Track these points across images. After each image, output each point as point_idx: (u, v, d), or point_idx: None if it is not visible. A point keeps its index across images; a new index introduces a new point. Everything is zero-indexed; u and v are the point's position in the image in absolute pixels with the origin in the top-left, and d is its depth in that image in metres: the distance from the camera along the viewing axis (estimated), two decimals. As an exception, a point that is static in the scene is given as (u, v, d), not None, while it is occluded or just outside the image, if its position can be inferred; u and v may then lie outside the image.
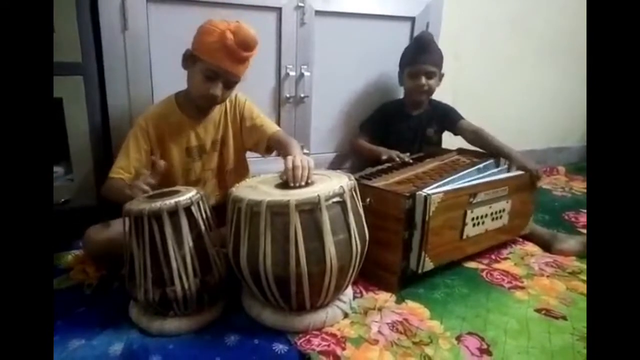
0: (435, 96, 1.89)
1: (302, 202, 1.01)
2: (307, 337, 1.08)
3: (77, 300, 1.22)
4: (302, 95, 1.75)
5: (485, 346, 1.08)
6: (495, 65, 2.48)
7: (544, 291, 1.33)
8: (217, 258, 1.14)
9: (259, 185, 1.16)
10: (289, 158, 1.14)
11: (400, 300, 1.26)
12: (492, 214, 1.46)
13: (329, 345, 1.05)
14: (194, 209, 1.09)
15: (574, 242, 1.59)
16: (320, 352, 1.03)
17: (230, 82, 1.29)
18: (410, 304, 1.24)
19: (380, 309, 1.21)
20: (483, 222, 1.44)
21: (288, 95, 1.73)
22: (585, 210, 2.00)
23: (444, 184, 1.34)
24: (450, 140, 1.90)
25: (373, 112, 1.88)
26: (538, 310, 1.23)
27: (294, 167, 1.11)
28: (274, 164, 1.57)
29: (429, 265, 1.31)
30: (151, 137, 1.33)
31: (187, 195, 1.09)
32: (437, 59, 1.76)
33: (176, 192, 1.13)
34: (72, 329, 1.09)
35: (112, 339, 1.07)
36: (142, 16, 1.43)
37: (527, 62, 2.57)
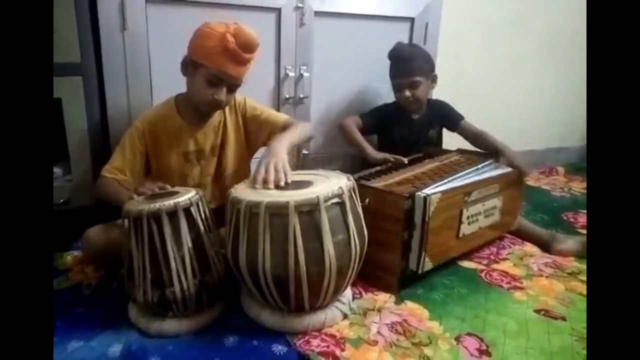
0: (435, 97, 1.89)
1: (301, 203, 1.01)
2: (307, 338, 1.08)
3: (75, 301, 1.22)
4: (301, 95, 1.75)
5: (484, 347, 1.08)
6: (494, 66, 2.48)
7: (543, 292, 1.33)
8: (216, 259, 1.14)
9: (258, 186, 1.16)
10: (263, 162, 1.16)
11: (399, 301, 1.26)
12: (485, 211, 1.47)
13: (328, 346, 1.05)
14: (193, 209, 1.09)
15: (572, 243, 1.59)
16: (320, 353, 1.03)
17: (233, 86, 1.28)
18: (410, 304, 1.24)
19: (379, 310, 1.21)
20: (477, 220, 1.45)
21: (287, 96, 1.73)
22: (584, 211, 2.00)
23: (443, 185, 1.34)
24: (450, 141, 1.90)
25: (376, 107, 1.86)
26: (537, 311, 1.23)
27: (266, 172, 1.13)
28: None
29: (428, 265, 1.31)
30: (147, 140, 1.32)
31: (186, 196, 1.09)
32: (419, 66, 1.70)
33: (175, 193, 1.13)
34: (71, 329, 1.09)
35: (111, 339, 1.06)
36: (141, 16, 1.43)
37: (527, 62, 2.57)
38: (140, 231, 1.04)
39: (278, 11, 1.63)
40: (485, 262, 1.51)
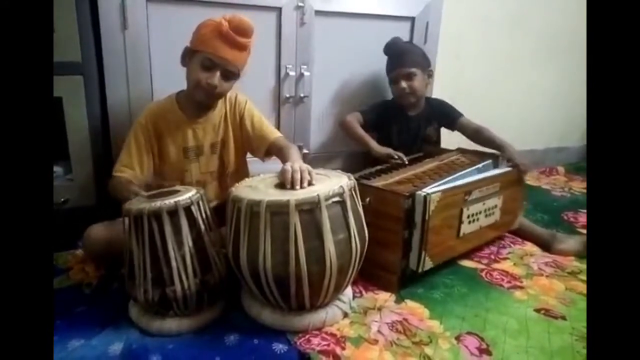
0: (435, 95, 1.89)
1: (301, 202, 1.01)
2: (307, 336, 1.09)
3: (76, 300, 1.22)
4: (301, 95, 1.75)
5: (484, 346, 1.08)
6: (495, 65, 2.48)
7: (543, 291, 1.33)
8: (217, 258, 1.14)
9: (259, 184, 1.16)
10: (288, 162, 1.15)
11: (399, 300, 1.26)
12: (485, 210, 1.47)
13: (328, 345, 1.05)
14: (193, 208, 1.09)
15: (573, 242, 1.59)
16: (320, 352, 1.03)
17: (228, 72, 1.27)
18: (410, 303, 1.25)
19: (379, 309, 1.21)
20: (478, 219, 1.45)
21: (288, 95, 1.73)
22: (584, 210, 2.00)
23: (443, 184, 1.35)
24: (449, 139, 1.90)
25: (375, 103, 1.86)
26: (537, 310, 1.23)
27: (293, 171, 1.11)
28: (274, 164, 1.57)
29: (428, 264, 1.31)
30: (151, 134, 1.34)
31: (187, 195, 1.09)
32: (415, 59, 1.74)
33: (176, 192, 1.13)
34: (72, 328, 1.09)
35: (112, 338, 1.07)
36: (142, 15, 1.43)
37: (527, 62, 2.57)
38: (141, 230, 1.04)
39: (279, 10, 1.63)
40: (485, 261, 1.51)
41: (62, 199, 1.43)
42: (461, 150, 1.77)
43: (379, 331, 1.12)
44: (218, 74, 1.25)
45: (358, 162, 1.86)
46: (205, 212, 1.13)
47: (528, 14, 2.47)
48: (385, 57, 1.81)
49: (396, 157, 1.62)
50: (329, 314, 1.13)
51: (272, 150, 1.39)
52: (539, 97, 2.69)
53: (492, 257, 1.54)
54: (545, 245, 1.61)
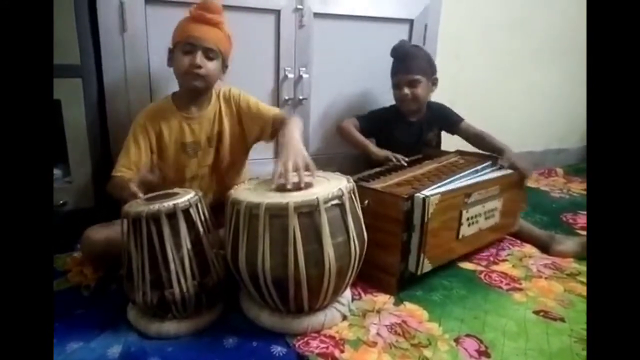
0: (435, 98, 1.89)
1: (300, 205, 1.01)
2: (306, 339, 1.08)
3: (74, 302, 1.22)
4: (300, 97, 1.75)
5: (483, 348, 1.08)
6: (494, 67, 2.48)
7: (542, 293, 1.33)
8: (215, 260, 1.14)
9: (258, 187, 1.16)
10: (280, 162, 1.15)
11: (398, 302, 1.26)
12: (485, 213, 1.47)
13: (327, 348, 1.05)
14: (192, 211, 1.09)
15: (572, 244, 1.59)
16: (319, 355, 1.03)
17: (208, 51, 1.30)
18: (409, 306, 1.25)
19: (378, 311, 1.21)
20: (477, 222, 1.45)
21: (287, 98, 1.73)
22: (583, 212, 2.00)
23: (442, 186, 1.34)
24: (449, 141, 1.91)
25: (374, 110, 1.86)
26: (536, 312, 1.23)
27: (285, 171, 1.11)
28: (273, 166, 1.57)
29: (427, 266, 1.31)
30: (149, 133, 1.34)
31: (186, 197, 1.09)
32: (420, 66, 1.71)
33: (174, 194, 1.13)
34: (70, 331, 1.09)
35: (110, 341, 1.06)
36: (141, 18, 1.43)
37: (526, 63, 2.58)
38: (139, 233, 1.04)
39: (277, 13, 1.63)
40: (484, 263, 1.51)
41: (61, 201, 1.42)
42: (460, 152, 1.77)
43: (377, 333, 1.12)
44: (199, 53, 1.28)
45: (357, 164, 1.86)
46: (204, 215, 1.13)
47: (527, 15, 2.48)
48: (387, 59, 1.81)
49: (394, 159, 1.62)
50: (327, 316, 1.13)
51: (277, 126, 1.39)
52: (538, 98, 2.69)
53: (491, 259, 1.54)
54: (544, 247, 1.61)
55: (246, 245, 1.05)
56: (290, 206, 1.00)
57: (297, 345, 1.06)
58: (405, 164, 1.60)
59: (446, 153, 1.77)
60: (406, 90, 1.70)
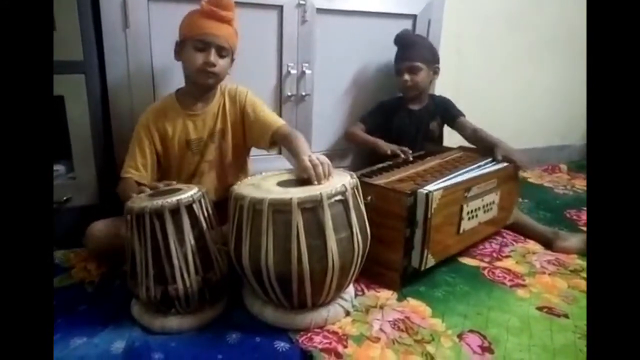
0: (437, 92, 1.89)
1: (304, 200, 1.01)
2: (309, 334, 1.09)
3: (78, 298, 1.22)
4: (303, 93, 1.75)
5: (486, 344, 1.08)
6: (497, 62, 2.47)
7: (546, 289, 1.33)
8: (219, 256, 1.14)
9: (261, 182, 1.16)
10: (305, 158, 1.13)
11: (401, 298, 1.26)
12: (484, 206, 1.48)
13: (330, 343, 1.05)
14: (195, 206, 1.09)
15: (575, 240, 1.58)
16: (322, 350, 1.03)
17: (221, 49, 1.29)
18: (412, 301, 1.25)
19: (381, 307, 1.21)
20: (477, 215, 1.46)
21: (289, 94, 1.73)
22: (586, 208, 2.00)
23: (444, 181, 1.34)
24: (451, 137, 1.90)
25: (373, 106, 1.87)
26: (540, 309, 1.23)
27: (314, 166, 1.10)
28: (275, 162, 1.57)
29: (430, 262, 1.31)
30: (153, 133, 1.35)
31: (189, 193, 1.09)
32: (422, 53, 1.75)
33: (178, 190, 1.13)
34: (74, 326, 1.09)
35: (114, 336, 1.07)
36: (143, 14, 1.43)
37: (529, 59, 2.57)
38: (142, 228, 1.04)
39: (280, 8, 1.62)
40: (487, 259, 1.51)
41: (64, 198, 1.43)
42: (463, 148, 1.76)
43: (381, 329, 1.12)
44: (213, 51, 1.28)
45: (361, 159, 1.86)
46: (207, 210, 1.13)
47: (530, 10, 2.46)
48: (390, 55, 1.81)
49: (401, 153, 1.61)
50: (331, 312, 1.13)
51: (277, 138, 1.37)
52: (541, 94, 2.68)
53: (495, 255, 1.54)
54: (548, 243, 1.61)
55: (249, 240, 1.05)
56: (294, 202, 1.00)
57: (300, 341, 1.06)
58: (411, 158, 1.60)
59: (449, 149, 1.77)
60: (406, 77, 1.74)
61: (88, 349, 1.03)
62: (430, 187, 1.27)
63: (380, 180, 1.36)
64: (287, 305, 1.11)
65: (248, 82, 1.45)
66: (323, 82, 1.79)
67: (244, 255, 1.06)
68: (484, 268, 1.45)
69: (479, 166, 1.52)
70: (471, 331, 1.13)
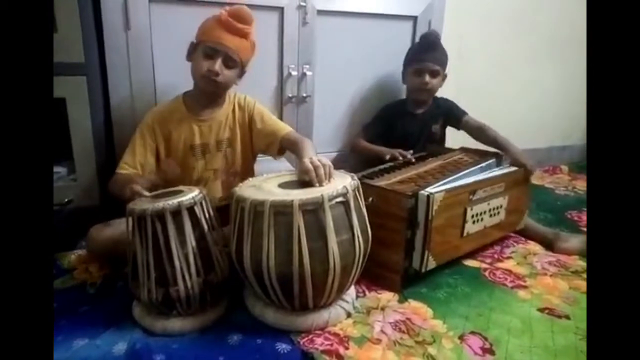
0: (439, 94, 1.89)
1: (305, 202, 1.01)
2: (310, 336, 1.09)
3: (80, 300, 1.22)
4: (304, 94, 1.75)
5: (488, 345, 1.08)
6: (498, 63, 2.47)
7: (547, 290, 1.33)
8: (220, 257, 1.14)
9: (263, 184, 1.16)
10: (307, 160, 1.13)
11: (402, 299, 1.26)
12: (490, 210, 1.47)
13: (332, 345, 1.05)
14: (197, 208, 1.09)
15: (576, 241, 1.58)
16: (323, 352, 1.03)
17: (229, 60, 1.30)
18: (413, 303, 1.25)
19: (383, 309, 1.21)
20: (482, 219, 1.45)
21: (290, 95, 1.73)
22: (588, 209, 1.99)
23: (446, 183, 1.34)
24: (453, 137, 1.90)
25: (376, 114, 1.88)
26: (541, 310, 1.23)
27: (315, 167, 1.10)
28: (276, 163, 1.57)
29: (431, 264, 1.31)
30: (157, 134, 1.35)
31: (190, 195, 1.09)
32: (442, 59, 1.77)
33: (179, 192, 1.13)
34: (76, 328, 1.10)
35: (116, 338, 1.07)
36: (145, 16, 1.43)
37: (530, 60, 2.57)
38: (144, 230, 1.04)
39: (281, 10, 1.63)
40: (488, 260, 1.51)
41: (66, 199, 1.43)
42: (464, 149, 1.76)
43: (382, 331, 1.12)
44: (219, 60, 1.28)
45: (361, 162, 1.86)
46: (208, 212, 1.13)
47: (532, 10, 2.46)
48: (391, 56, 1.81)
49: (399, 156, 1.62)
50: (332, 313, 1.13)
51: (285, 145, 1.39)
52: (542, 95, 2.68)
53: (496, 256, 1.54)
54: (549, 245, 1.61)
55: (251, 242, 1.05)
56: (295, 204, 1.00)
57: (301, 343, 1.06)
58: (413, 160, 1.60)
59: (450, 150, 1.77)
60: (427, 78, 1.74)
61: (90, 350, 1.03)
62: (431, 189, 1.27)
63: (382, 182, 1.36)
64: (289, 307, 1.11)
65: (249, 84, 1.45)
66: (324, 83, 1.79)
67: (245, 257, 1.06)
68: (485, 269, 1.45)
69: (482, 168, 1.52)
70: (472, 332, 1.13)
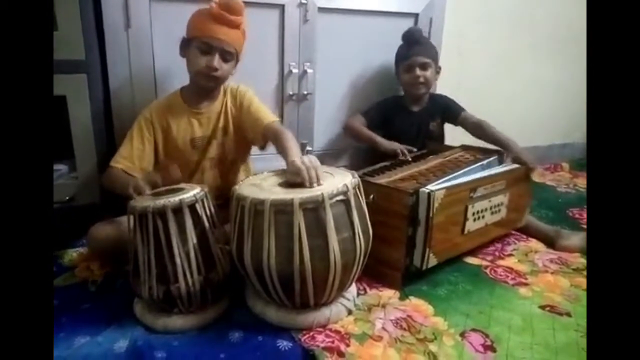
0: (438, 90, 1.89)
1: (305, 201, 1.01)
2: (311, 333, 1.09)
3: (81, 297, 1.23)
4: (305, 92, 1.75)
5: (489, 342, 1.08)
6: (498, 61, 2.46)
7: (548, 288, 1.33)
8: (221, 255, 1.14)
9: (263, 182, 1.16)
10: (297, 160, 1.12)
11: (403, 297, 1.26)
12: (491, 207, 1.47)
13: (333, 342, 1.06)
14: (198, 206, 1.09)
15: (578, 239, 1.58)
16: (325, 349, 1.03)
17: (226, 53, 1.29)
18: (414, 300, 1.25)
19: (384, 306, 1.21)
20: (483, 217, 1.45)
21: (291, 93, 1.73)
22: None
23: (447, 181, 1.34)
24: (453, 134, 1.90)
25: (376, 102, 1.86)
26: (542, 307, 1.23)
27: (307, 168, 1.09)
28: (275, 162, 1.57)
29: (432, 261, 1.31)
30: (155, 128, 1.35)
31: (192, 192, 1.09)
32: (430, 51, 1.76)
33: (180, 190, 1.13)
34: (77, 325, 1.10)
35: (117, 335, 1.07)
36: (145, 14, 1.43)
37: (531, 57, 2.56)
38: (145, 228, 1.04)
39: (282, 7, 1.63)
40: (489, 258, 1.51)
41: (67, 197, 1.43)
42: (465, 147, 1.76)
43: (383, 328, 1.12)
44: (217, 55, 1.28)
45: (363, 158, 1.86)
46: (210, 210, 1.13)
47: (532, 7, 2.46)
48: (391, 54, 1.80)
49: (401, 153, 1.62)
50: (333, 311, 1.14)
51: (268, 135, 1.36)
52: (542, 92, 2.67)
53: (497, 253, 1.54)
54: (550, 242, 1.61)
55: (251, 241, 1.05)
56: (295, 202, 1.00)
57: (302, 340, 1.06)
58: (410, 159, 1.60)
59: (451, 148, 1.77)
60: (419, 72, 1.73)
61: (91, 347, 1.03)
62: (432, 186, 1.27)
63: (382, 179, 1.36)
64: (290, 305, 1.11)
65: (250, 82, 1.45)
66: (325, 81, 1.79)
67: (245, 255, 1.06)
68: (487, 267, 1.45)
69: (483, 165, 1.52)
70: (473, 330, 1.13)
